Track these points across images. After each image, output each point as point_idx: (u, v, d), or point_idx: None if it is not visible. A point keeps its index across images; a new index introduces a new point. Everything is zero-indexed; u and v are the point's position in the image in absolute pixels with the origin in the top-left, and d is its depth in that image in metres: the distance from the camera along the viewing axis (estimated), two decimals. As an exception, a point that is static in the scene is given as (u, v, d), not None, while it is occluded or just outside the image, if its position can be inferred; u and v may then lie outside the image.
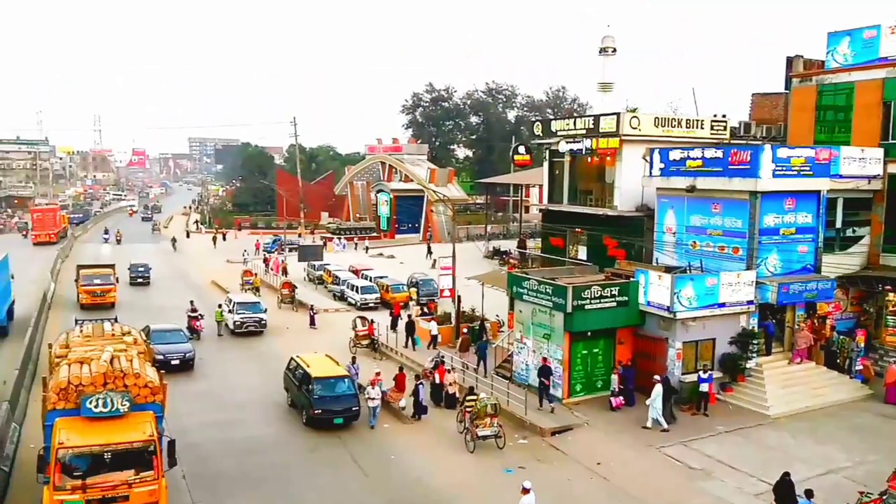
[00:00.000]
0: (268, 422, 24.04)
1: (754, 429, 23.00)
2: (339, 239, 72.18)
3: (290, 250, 61.63)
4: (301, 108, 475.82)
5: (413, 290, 43.26)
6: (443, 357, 27.38)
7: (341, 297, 44.94)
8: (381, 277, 45.21)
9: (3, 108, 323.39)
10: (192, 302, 37.15)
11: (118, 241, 73.68)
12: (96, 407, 15.00)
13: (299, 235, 75.25)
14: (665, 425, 22.77)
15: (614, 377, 24.82)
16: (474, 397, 22.03)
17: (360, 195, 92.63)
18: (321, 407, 22.83)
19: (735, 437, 22.35)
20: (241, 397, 26.31)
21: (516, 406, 24.17)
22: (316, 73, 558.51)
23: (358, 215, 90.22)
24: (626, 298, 25.44)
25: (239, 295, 39.87)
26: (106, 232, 78.39)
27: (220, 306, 36.92)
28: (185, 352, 29.50)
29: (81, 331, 19.83)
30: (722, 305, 25.22)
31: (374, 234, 79.10)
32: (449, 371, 25.88)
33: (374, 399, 23.33)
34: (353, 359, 27.32)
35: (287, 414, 24.72)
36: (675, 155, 29.37)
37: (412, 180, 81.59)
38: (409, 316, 34.60)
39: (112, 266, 43.02)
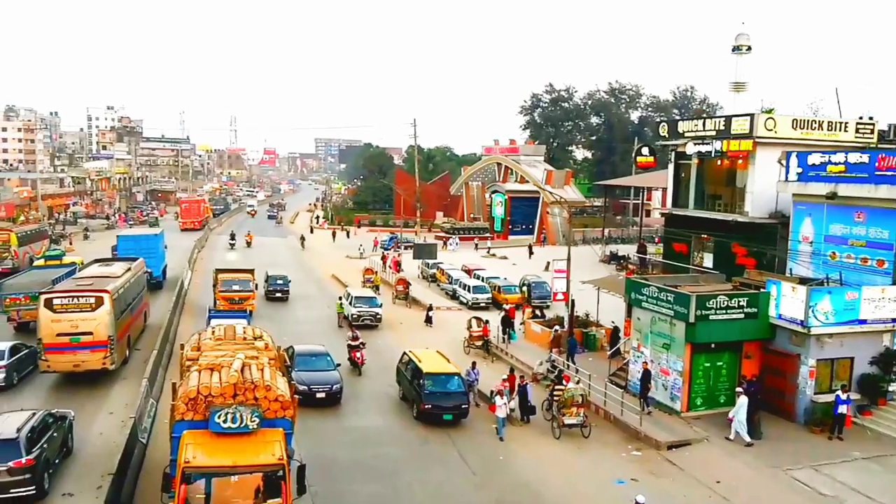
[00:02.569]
0: (380, 413, 24.61)
1: (894, 458, 21.12)
2: (454, 239, 72.70)
3: (406, 248, 62.97)
4: (421, 110, 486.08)
5: (525, 291, 42.92)
6: (553, 361, 26.94)
7: (453, 296, 45.32)
8: (493, 278, 45.18)
9: (151, 110, 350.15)
10: (352, 328, 33.44)
11: (248, 244, 68.05)
12: (225, 422, 14.19)
13: (415, 234, 76.56)
14: (748, 439, 21.53)
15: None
16: (562, 386, 23.06)
17: (475, 196, 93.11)
18: (431, 402, 23.00)
19: (872, 465, 20.60)
20: (356, 387, 27.02)
21: (631, 416, 23.42)
22: (437, 75, 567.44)
23: (472, 216, 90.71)
24: (756, 310, 24.03)
25: (357, 289, 41.02)
26: (232, 237, 68.57)
27: (340, 299, 38.25)
28: (333, 383, 24.86)
29: (213, 333, 19.09)
30: (863, 322, 23.34)
31: (488, 235, 79.21)
32: (574, 382, 24.56)
33: (500, 408, 22.53)
34: (474, 364, 26.73)
35: (398, 406, 25.17)
36: (814, 159, 27.50)
37: (528, 181, 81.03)
38: (505, 310, 34.50)
39: (251, 271, 40.16)
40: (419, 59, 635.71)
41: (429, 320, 37.62)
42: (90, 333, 24.94)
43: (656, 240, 61.73)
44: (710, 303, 23.57)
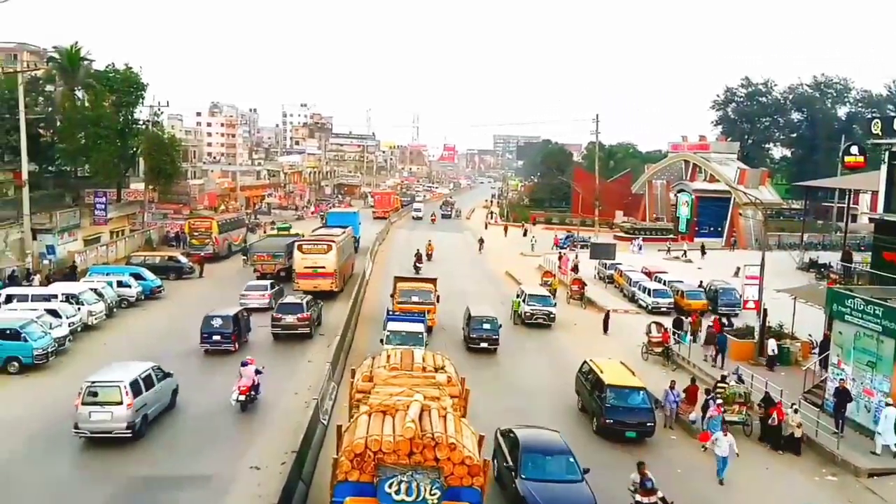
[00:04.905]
0: (556, 421, 22.70)
1: None
2: (637, 240, 69.41)
3: (582, 247, 61.65)
4: (603, 106, 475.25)
5: (710, 298, 40.19)
6: (740, 373, 24.85)
7: (631, 299, 43.56)
8: (676, 282, 42.78)
9: (341, 107, 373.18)
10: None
11: (429, 257, 55.06)
12: (398, 493, 11.91)
13: (594, 233, 74.76)
14: None
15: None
16: (724, 384, 23.01)
17: (659, 195, 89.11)
18: (613, 417, 21.43)
19: None
20: (532, 389, 26.26)
21: (826, 438, 21.12)
22: (621, 70, 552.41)
23: (655, 215, 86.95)
24: (984, 330, 20.61)
25: (531, 287, 40.58)
26: (419, 259, 52.00)
27: (517, 296, 38.06)
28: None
29: (388, 359, 17.02)
30: None
31: (671, 236, 75.56)
32: (792, 411, 21.88)
33: (718, 443, 19.26)
34: (673, 383, 23.68)
35: (576, 417, 23.70)
36: None
37: (718, 181, 76.26)
38: (710, 327, 31.81)
39: (433, 281, 36.29)
40: (604, 53, 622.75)
41: (606, 328, 35.99)
42: (323, 267, 39.16)
43: (863, 247, 56.27)
44: (929, 320, 20.56)
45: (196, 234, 52.17)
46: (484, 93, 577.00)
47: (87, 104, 54.96)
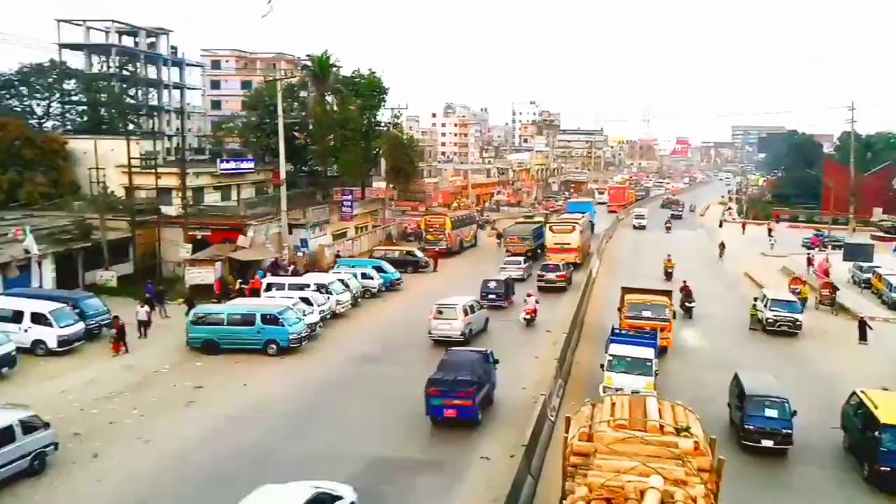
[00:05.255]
0: (820, 461, 19.63)
1: None
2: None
3: (833, 248, 55.45)
4: (861, 92, 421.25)
5: None
6: None
7: (893, 307, 38.17)
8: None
9: (568, 103, 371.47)
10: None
11: (668, 276, 45.04)
12: None
13: (850, 233, 66.53)
14: None
15: None
16: None
17: (930, 190, 77.12)
18: (891, 465, 17.61)
19: None
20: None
21: None
22: (885, 48, 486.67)
23: (923, 213, 75.37)
24: None
25: (774, 291, 36.93)
26: (678, 290, 37.09)
27: (755, 300, 34.98)
28: None
29: (613, 410, 14.23)
30: None
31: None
32: None
33: None
34: None
35: (842, 460, 19.71)
36: None
37: None
38: None
39: (668, 293, 31.71)
40: (857, 37, 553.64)
41: (863, 336, 31.89)
42: (569, 243, 48.77)
43: None
44: None
45: (431, 230, 54.86)
46: (721, 81, 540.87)
47: (335, 108, 59.88)
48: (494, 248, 58.64)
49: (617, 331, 26.46)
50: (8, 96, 60.43)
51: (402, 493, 17.18)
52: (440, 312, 29.58)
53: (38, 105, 62.34)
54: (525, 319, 32.83)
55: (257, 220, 43.53)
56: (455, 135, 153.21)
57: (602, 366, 22.95)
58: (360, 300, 37.23)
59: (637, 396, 15.87)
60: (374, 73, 61.35)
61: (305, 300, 31.54)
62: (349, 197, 54.69)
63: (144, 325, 29.70)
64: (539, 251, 51.82)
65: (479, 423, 20.90)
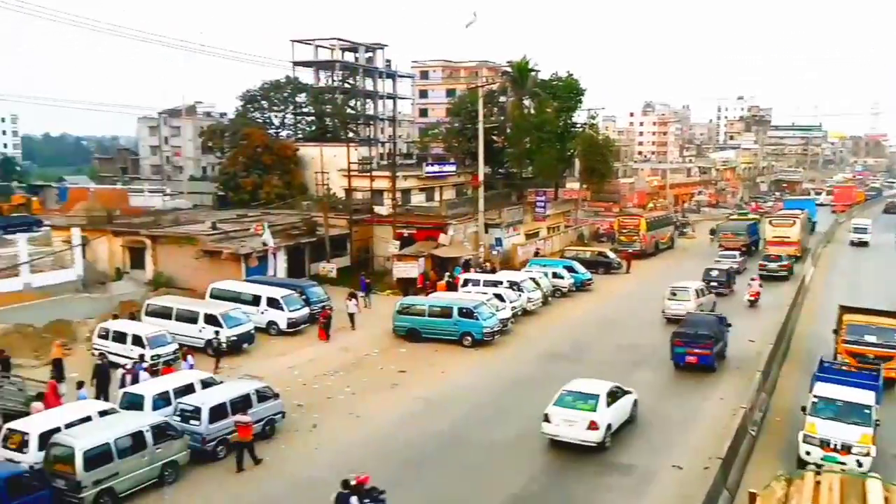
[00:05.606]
0: None
1: None
2: None
3: None
4: None
5: None
6: None
7: None
8: None
9: (782, 97, 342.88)
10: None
11: None
12: None
13: None
14: None
15: None
16: None
17: None
18: None
19: None
20: None
21: None
22: None
23: None
24: None
25: None
26: None
27: None
28: None
29: (817, 492, 11.38)
30: None
31: None
32: None
33: None
34: None
35: None
36: None
37: None
38: None
39: None
40: None
41: None
42: (788, 237, 51.00)
43: None
44: None
45: (625, 231, 53.99)
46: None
47: (532, 111, 60.90)
48: (692, 249, 57.24)
49: (827, 364, 21.77)
50: (252, 109, 68.29)
51: (588, 493, 17.48)
52: (674, 294, 33.22)
53: (276, 116, 69.75)
54: (749, 301, 36.76)
55: (457, 220, 45.87)
56: (653, 133, 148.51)
57: (804, 408, 18.98)
58: (550, 299, 37.75)
59: (853, 478, 12.39)
60: (571, 75, 61.55)
61: (499, 296, 32.68)
62: (542, 198, 55.37)
63: (352, 317, 32.28)
64: (753, 247, 53.83)
65: (715, 370, 25.58)
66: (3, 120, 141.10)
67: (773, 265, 44.81)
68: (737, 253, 48.96)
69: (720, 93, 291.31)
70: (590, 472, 18.36)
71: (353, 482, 14.59)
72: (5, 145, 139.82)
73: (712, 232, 60.84)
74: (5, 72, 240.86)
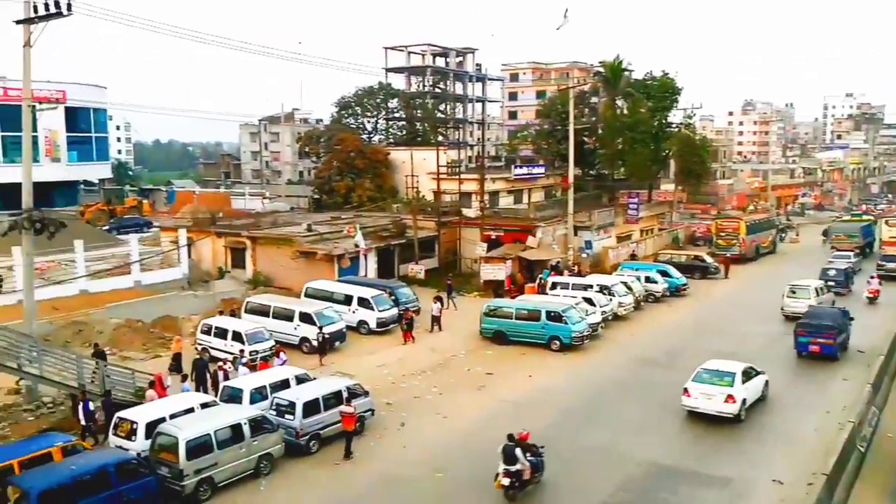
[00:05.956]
0: None
1: None
2: None
3: None
4: None
5: None
6: None
7: None
8: None
9: (893, 93, 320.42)
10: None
11: None
12: None
13: None
14: None
15: None
16: None
17: None
18: None
19: None
20: None
21: None
22: None
23: None
24: None
25: None
26: None
27: None
28: None
29: None
30: None
31: None
32: None
33: None
34: None
35: None
36: None
37: None
38: None
39: None
40: None
41: None
42: None
43: None
44: None
45: (723, 234, 51.99)
46: None
47: (624, 111, 59.63)
48: (796, 253, 55.15)
49: None
50: (346, 115, 70.28)
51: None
52: (793, 292, 33.54)
53: (368, 122, 71.54)
54: (868, 298, 37.06)
55: (545, 222, 45.42)
56: (754, 133, 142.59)
57: None
58: (643, 304, 36.78)
59: None
60: (666, 74, 59.94)
61: (588, 300, 32.13)
62: (635, 199, 53.99)
63: (436, 320, 32.28)
64: (868, 249, 52.74)
65: (838, 359, 26.33)
66: (118, 128, 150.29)
67: (891, 265, 44.04)
68: (851, 254, 47.91)
69: (828, 89, 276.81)
70: (683, 483, 17.76)
71: (517, 436, 16.77)
72: (119, 151, 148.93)
73: (825, 233, 59.53)
74: (120, 82, 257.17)
